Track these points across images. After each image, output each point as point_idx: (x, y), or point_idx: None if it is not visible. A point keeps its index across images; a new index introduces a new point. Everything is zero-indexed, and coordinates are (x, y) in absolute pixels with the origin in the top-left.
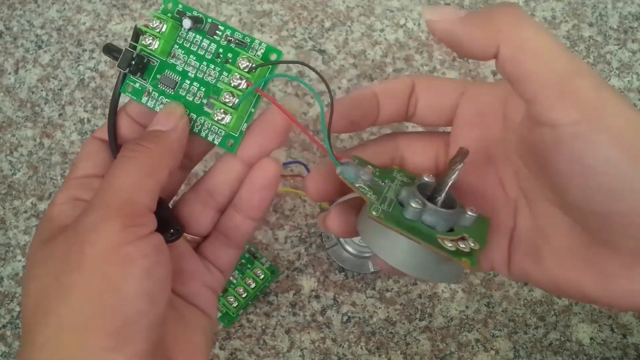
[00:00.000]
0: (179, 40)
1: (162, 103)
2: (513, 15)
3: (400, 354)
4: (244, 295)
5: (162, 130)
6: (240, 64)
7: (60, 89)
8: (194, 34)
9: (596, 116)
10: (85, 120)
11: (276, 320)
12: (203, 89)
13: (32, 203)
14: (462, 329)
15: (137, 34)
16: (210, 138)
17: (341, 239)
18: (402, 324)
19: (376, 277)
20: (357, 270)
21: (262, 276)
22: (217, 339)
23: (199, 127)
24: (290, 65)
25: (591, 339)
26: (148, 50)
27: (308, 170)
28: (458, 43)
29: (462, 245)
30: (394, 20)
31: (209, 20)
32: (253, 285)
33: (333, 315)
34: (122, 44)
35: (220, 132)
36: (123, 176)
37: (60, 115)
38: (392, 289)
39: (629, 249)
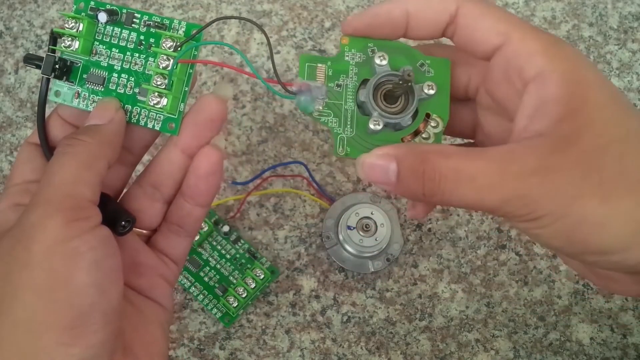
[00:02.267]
0: (97, 36)
1: (94, 102)
2: (432, 186)
3: (400, 354)
4: (244, 295)
5: (98, 124)
6: (164, 45)
7: None
8: (111, 27)
9: (535, 219)
10: None
11: (276, 320)
12: (132, 79)
13: None
14: (462, 329)
15: (55, 37)
16: (150, 125)
17: (341, 240)
18: (402, 324)
19: (376, 277)
20: (357, 270)
21: (262, 276)
22: (217, 338)
23: (137, 116)
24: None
25: (591, 339)
26: (69, 52)
27: (308, 170)
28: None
29: (424, 136)
30: None
31: (124, 10)
32: (253, 285)
33: (333, 315)
34: None
35: (159, 117)
36: (61, 171)
37: None
38: (392, 289)
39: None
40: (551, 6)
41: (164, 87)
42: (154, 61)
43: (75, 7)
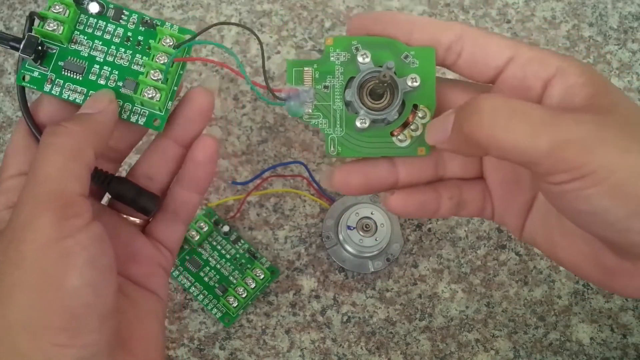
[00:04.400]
0: (79, 26)
1: (69, 90)
2: (478, 119)
3: (400, 354)
4: (244, 295)
5: (89, 112)
6: (164, 42)
7: None
8: (96, 20)
9: (587, 175)
10: None
11: (276, 320)
12: (116, 72)
13: None
14: (462, 329)
15: (33, 20)
16: (133, 119)
17: (341, 240)
18: (402, 324)
19: (376, 277)
20: (357, 270)
21: (262, 276)
22: (217, 338)
23: (119, 109)
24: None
25: (591, 339)
26: (51, 36)
27: (308, 170)
28: (458, 154)
29: (412, 127)
30: None
31: (111, 5)
32: (253, 285)
33: (333, 315)
34: None
35: (144, 112)
36: (45, 165)
37: None
38: (392, 289)
39: (634, 260)
40: (551, 6)
41: (160, 81)
42: (141, 58)
43: None
